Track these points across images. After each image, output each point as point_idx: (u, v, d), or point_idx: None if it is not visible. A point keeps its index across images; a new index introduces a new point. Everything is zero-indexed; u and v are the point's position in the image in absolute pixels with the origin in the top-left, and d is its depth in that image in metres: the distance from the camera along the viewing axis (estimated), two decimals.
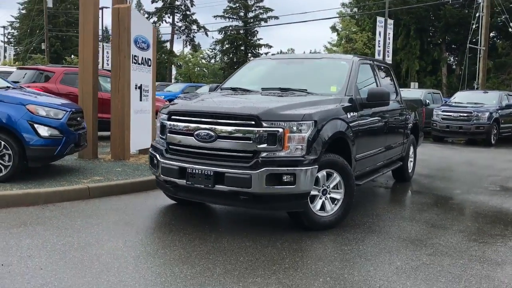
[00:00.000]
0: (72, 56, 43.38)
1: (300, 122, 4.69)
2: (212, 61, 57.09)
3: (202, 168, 4.73)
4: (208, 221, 5.45)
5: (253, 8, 54.19)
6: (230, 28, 54.41)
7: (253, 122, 4.63)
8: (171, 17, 56.86)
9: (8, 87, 7.09)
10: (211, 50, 56.25)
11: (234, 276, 3.75)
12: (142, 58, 8.64)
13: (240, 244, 4.52)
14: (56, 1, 52.40)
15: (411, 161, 8.32)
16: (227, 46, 54.90)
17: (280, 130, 4.60)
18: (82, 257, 4.03)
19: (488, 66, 29.72)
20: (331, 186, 5.10)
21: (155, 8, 55.66)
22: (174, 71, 53.01)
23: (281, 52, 58.56)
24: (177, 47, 64.48)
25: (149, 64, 8.88)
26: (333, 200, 5.13)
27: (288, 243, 4.59)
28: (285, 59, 7.51)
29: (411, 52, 38.58)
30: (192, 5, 56.22)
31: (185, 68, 45.33)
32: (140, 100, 8.63)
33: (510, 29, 27.00)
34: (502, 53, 35.77)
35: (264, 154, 4.59)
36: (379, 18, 27.04)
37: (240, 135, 4.67)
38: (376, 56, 25.93)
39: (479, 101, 16.65)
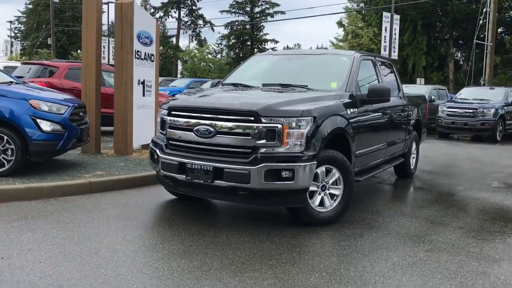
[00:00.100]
0: (79, 51, 43.53)
1: (299, 118, 4.70)
2: (218, 56, 57.07)
3: (202, 163, 4.76)
4: (208, 216, 5.48)
5: (259, 3, 54.04)
6: (236, 23, 54.35)
7: (252, 118, 4.64)
8: (177, 12, 56.90)
9: (11, 82, 7.14)
10: (217, 45, 56.26)
11: (231, 271, 3.78)
12: (145, 53, 8.66)
13: (239, 239, 4.55)
14: None
15: (413, 157, 8.30)
16: (233, 41, 54.83)
17: (279, 126, 4.62)
18: (81, 251, 4.07)
19: (495, 62, 29.52)
20: (330, 182, 5.11)
21: (161, 3, 55.73)
22: (180, 66, 53.01)
23: (287, 47, 58.49)
24: (183, 42, 64.59)
25: (152, 59, 8.90)
26: (332, 196, 5.14)
27: (286, 239, 4.61)
28: (287, 55, 7.51)
29: (418, 48, 38.32)
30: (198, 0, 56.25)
31: (191, 63, 45.33)
32: (143, 95, 8.67)
33: None
34: (510, 49, 35.44)
35: (263, 150, 4.61)
36: (385, 13, 26.89)
37: (239, 130, 4.69)
38: (382, 52, 25.80)
39: (485, 97, 16.55)
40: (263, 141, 4.61)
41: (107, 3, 37.82)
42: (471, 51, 28.29)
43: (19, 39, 61.45)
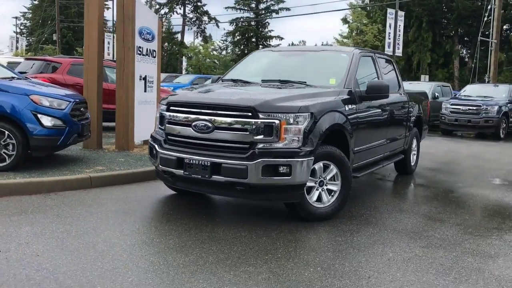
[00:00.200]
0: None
1: (296, 114, 4.72)
2: (223, 52, 57.01)
3: (200, 158, 4.78)
4: (207, 211, 5.51)
5: (264, 0, 53.95)
6: (242, 19, 54.26)
7: (250, 114, 4.66)
8: (182, 8, 56.83)
9: (13, 78, 7.19)
10: (222, 41, 56.19)
11: (226, 265, 3.80)
12: (147, 49, 8.69)
13: (236, 234, 4.57)
14: None
15: (414, 154, 8.30)
16: (238, 37, 54.74)
17: (277, 121, 4.63)
18: (78, 245, 4.11)
19: (500, 59, 29.36)
20: (328, 177, 5.13)
21: None
22: (184, 63, 53.02)
23: (292, 44, 58.31)
24: (188, 39, 64.51)
25: (154, 55, 8.93)
26: (329, 191, 5.16)
27: (283, 234, 4.63)
28: (287, 51, 7.53)
29: (423, 45, 38.15)
30: None
31: (196, 60, 45.31)
32: (145, 91, 8.70)
33: None
34: None
35: (260, 145, 4.63)
36: (389, 10, 26.74)
37: (237, 126, 4.71)
38: (386, 49, 25.69)
39: (488, 94, 16.50)
40: (261, 136, 4.63)
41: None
42: (476, 48, 28.15)
43: (24, 35, 61.62)
